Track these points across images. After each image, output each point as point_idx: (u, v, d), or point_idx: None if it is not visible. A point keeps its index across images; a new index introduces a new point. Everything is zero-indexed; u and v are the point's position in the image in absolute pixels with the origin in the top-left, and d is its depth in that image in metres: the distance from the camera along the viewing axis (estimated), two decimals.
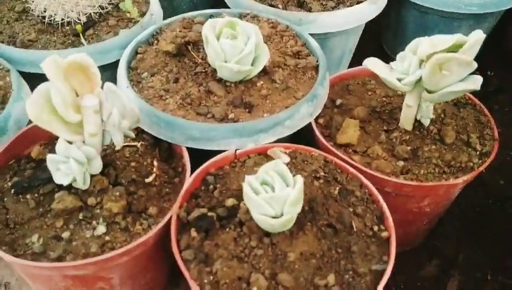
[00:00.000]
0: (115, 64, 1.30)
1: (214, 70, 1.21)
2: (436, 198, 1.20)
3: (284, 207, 0.86)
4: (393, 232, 0.97)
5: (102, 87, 0.94)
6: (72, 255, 0.92)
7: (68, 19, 1.36)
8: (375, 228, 0.99)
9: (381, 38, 2.19)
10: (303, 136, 1.21)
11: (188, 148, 1.12)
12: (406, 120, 1.20)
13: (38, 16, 1.39)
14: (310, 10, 1.56)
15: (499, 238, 1.48)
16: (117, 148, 1.07)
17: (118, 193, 0.99)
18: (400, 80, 1.10)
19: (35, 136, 1.13)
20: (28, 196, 1.01)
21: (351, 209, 1.01)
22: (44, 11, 1.37)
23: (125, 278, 1.04)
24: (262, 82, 1.22)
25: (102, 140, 0.99)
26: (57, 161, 0.95)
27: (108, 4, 1.43)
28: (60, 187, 1.00)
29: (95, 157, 0.97)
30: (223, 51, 1.14)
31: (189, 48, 1.30)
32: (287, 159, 1.10)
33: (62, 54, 1.26)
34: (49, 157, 0.96)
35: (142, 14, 1.49)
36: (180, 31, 1.36)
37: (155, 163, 1.11)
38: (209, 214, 0.96)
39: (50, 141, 1.14)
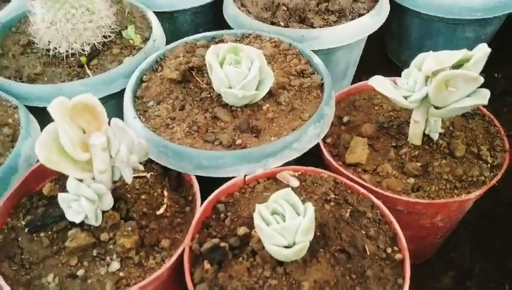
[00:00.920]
0: (121, 92, 1.32)
1: (219, 95, 1.21)
2: (449, 213, 1.19)
3: (296, 236, 0.86)
4: (407, 254, 0.96)
5: (109, 122, 0.95)
6: None
7: (72, 51, 1.37)
8: (389, 250, 0.98)
9: (386, 45, 2.18)
10: (311, 152, 1.20)
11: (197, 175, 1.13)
12: (414, 135, 1.19)
13: (43, 49, 1.40)
14: (312, 25, 1.55)
15: None
16: (127, 183, 1.07)
17: (129, 228, 0.99)
18: (406, 97, 1.09)
19: (46, 172, 1.14)
20: (42, 234, 1.02)
21: (363, 232, 1.00)
22: (49, 44, 1.37)
23: None
24: (268, 105, 1.22)
25: (112, 175, 1.00)
26: (69, 199, 0.96)
27: (111, 32, 1.43)
28: (73, 224, 1.00)
29: (106, 193, 0.98)
30: (227, 77, 1.14)
31: (193, 73, 1.30)
32: (297, 183, 1.09)
33: (68, 87, 1.30)
34: (61, 196, 0.96)
35: (145, 40, 1.49)
36: (183, 56, 1.37)
37: (165, 193, 1.11)
38: (222, 244, 0.96)
39: (61, 176, 1.15)
